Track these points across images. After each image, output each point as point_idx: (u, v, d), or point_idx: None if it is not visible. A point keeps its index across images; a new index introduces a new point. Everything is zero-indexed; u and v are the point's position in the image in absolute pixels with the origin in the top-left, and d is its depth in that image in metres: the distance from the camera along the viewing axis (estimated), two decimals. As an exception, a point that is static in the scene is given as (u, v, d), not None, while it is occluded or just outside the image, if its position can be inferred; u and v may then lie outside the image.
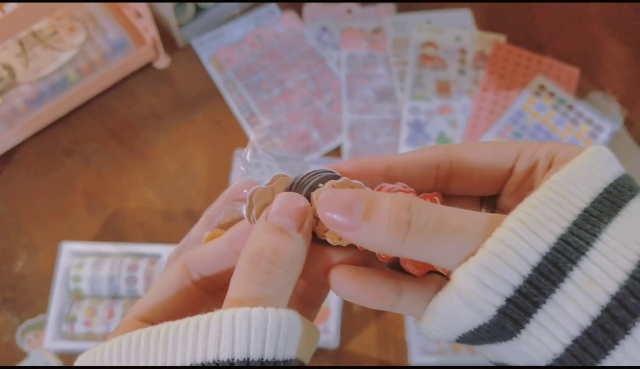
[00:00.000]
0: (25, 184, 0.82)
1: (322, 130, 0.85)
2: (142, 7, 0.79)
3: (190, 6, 0.88)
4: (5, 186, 0.82)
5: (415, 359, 0.71)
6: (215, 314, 0.20)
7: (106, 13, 0.86)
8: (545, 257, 0.18)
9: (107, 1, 0.87)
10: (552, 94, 0.85)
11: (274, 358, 0.20)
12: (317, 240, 0.24)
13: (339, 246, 0.24)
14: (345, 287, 0.23)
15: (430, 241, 0.20)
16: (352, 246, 0.24)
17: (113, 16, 0.86)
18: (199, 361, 0.20)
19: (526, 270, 0.18)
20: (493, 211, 0.26)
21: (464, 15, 0.93)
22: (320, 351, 0.72)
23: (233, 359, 0.20)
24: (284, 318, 0.21)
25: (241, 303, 0.21)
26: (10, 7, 0.67)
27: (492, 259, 0.19)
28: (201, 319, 0.20)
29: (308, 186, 0.24)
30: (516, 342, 0.19)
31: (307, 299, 0.26)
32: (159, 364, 0.20)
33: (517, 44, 0.89)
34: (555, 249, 0.19)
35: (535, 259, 0.19)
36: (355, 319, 0.74)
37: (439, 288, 0.23)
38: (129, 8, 0.85)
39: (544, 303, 0.18)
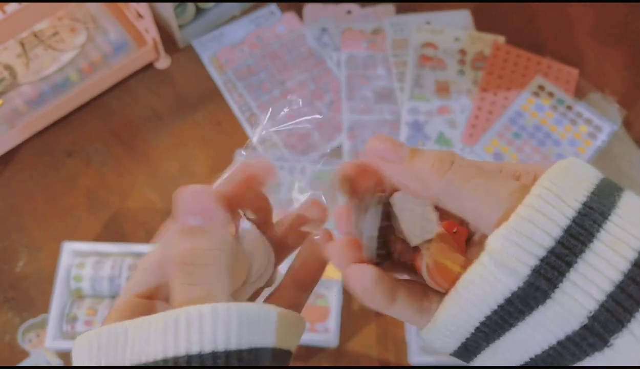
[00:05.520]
0: (26, 184, 0.82)
1: (322, 130, 0.85)
2: (143, 7, 0.79)
3: (190, 7, 0.88)
4: (6, 186, 0.82)
5: (414, 358, 0.71)
6: (182, 311, 0.21)
7: (107, 14, 0.86)
8: (574, 220, 0.20)
9: (108, 1, 0.87)
10: (551, 95, 0.86)
11: (237, 347, 0.21)
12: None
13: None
14: (361, 281, 0.23)
15: (467, 182, 0.22)
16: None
17: (114, 17, 0.86)
18: (170, 355, 0.20)
19: (557, 232, 0.20)
20: None
21: (463, 16, 0.93)
22: (319, 351, 0.72)
23: (202, 350, 0.21)
24: (233, 309, 0.21)
25: (181, 306, 0.22)
26: (11, 7, 0.67)
27: (524, 223, 0.20)
28: (169, 315, 0.21)
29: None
30: (549, 305, 0.20)
31: (300, 282, 0.27)
32: (136, 355, 0.21)
33: (516, 44, 0.90)
34: (581, 213, 0.20)
35: (564, 222, 0.20)
36: (354, 318, 0.74)
37: (435, 291, 0.24)
38: (129, 9, 0.86)
39: (576, 262, 0.20)
